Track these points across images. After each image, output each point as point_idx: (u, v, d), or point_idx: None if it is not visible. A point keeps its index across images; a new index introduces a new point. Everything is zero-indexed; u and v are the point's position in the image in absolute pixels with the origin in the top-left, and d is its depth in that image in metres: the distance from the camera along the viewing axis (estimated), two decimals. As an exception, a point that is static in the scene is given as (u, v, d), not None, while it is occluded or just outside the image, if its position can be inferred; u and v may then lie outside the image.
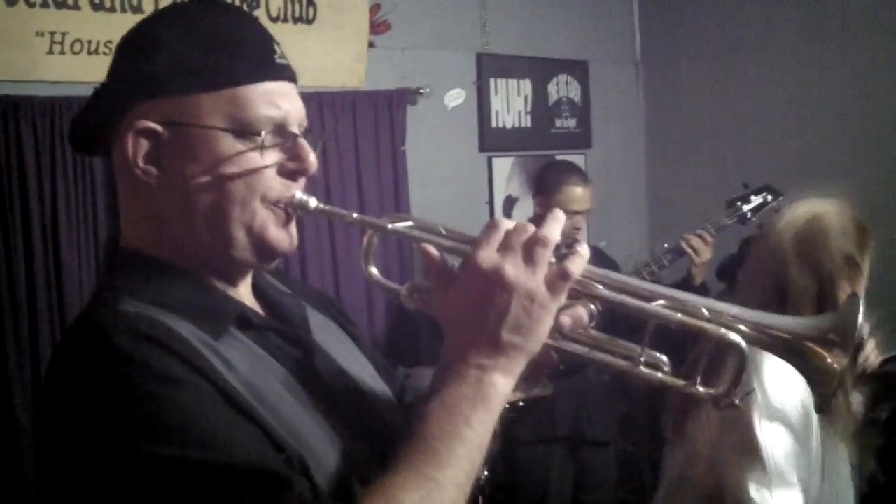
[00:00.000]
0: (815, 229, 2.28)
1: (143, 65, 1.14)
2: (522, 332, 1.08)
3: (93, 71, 3.47)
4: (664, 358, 1.18)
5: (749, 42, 5.13)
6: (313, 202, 1.18)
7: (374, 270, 1.25)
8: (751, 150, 5.03)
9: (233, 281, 1.21)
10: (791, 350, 1.15)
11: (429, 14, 4.56)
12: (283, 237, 1.18)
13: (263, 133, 1.14)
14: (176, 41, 1.14)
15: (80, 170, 3.40)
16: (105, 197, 3.45)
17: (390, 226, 1.21)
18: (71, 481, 1.01)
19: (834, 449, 2.18)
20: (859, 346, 2.27)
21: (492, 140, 4.88)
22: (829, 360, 1.14)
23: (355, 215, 1.21)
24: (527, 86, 5.04)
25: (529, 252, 1.08)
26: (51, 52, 3.36)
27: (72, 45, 3.41)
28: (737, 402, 1.14)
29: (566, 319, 1.15)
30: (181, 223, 1.15)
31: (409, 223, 1.21)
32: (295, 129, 1.18)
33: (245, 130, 1.13)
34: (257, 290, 1.27)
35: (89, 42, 3.45)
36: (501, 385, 1.08)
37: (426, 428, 1.05)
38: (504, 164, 4.92)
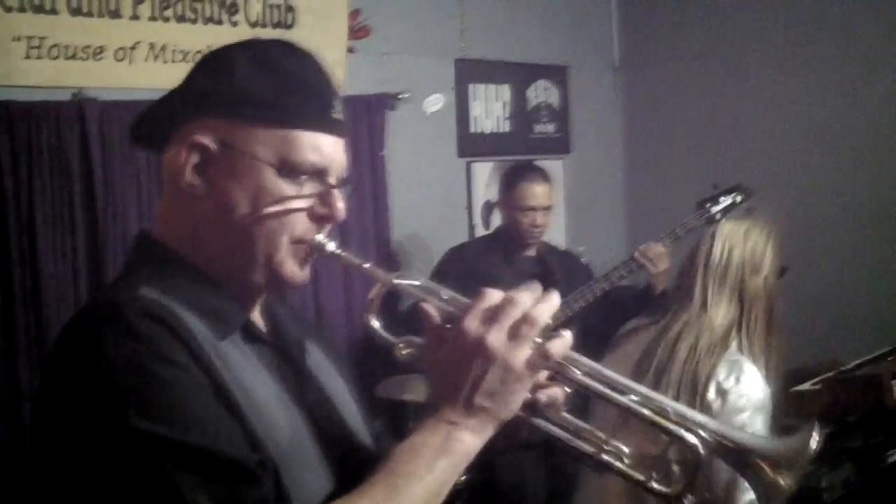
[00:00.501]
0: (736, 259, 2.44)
1: (214, 83, 1.24)
2: (496, 400, 1.16)
3: (71, 76, 3.47)
4: (626, 450, 1.26)
5: (727, 47, 5.17)
6: (331, 246, 1.28)
7: (375, 322, 1.31)
8: (729, 155, 5.06)
9: (246, 296, 1.29)
10: (744, 463, 1.23)
11: (408, 19, 4.57)
12: (298, 274, 1.27)
13: (304, 178, 1.23)
14: (251, 71, 1.23)
15: (58, 173, 3.39)
16: (83, 201, 3.44)
17: (395, 281, 1.28)
18: (61, 438, 1.09)
19: None
20: None
21: (471, 145, 4.89)
22: (777, 479, 1.21)
23: (367, 266, 1.30)
24: (506, 91, 5.06)
25: (515, 328, 1.16)
26: (28, 56, 3.35)
27: (49, 50, 3.40)
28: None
29: (542, 397, 1.23)
30: (211, 235, 1.24)
31: (416, 283, 1.28)
32: (332, 180, 1.26)
33: (290, 170, 1.22)
34: (266, 311, 1.35)
35: (67, 47, 3.44)
36: (468, 443, 1.16)
37: (391, 465, 1.14)
38: (483, 170, 4.93)
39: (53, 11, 3.41)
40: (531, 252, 4.04)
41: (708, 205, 3.82)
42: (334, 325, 4.15)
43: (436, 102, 4.70)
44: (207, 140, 1.22)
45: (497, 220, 4.88)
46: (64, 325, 1.17)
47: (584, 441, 1.26)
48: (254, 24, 3.89)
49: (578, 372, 1.22)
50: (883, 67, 4.65)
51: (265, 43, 1.29)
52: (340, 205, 1.26)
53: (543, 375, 1.23)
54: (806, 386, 3.32)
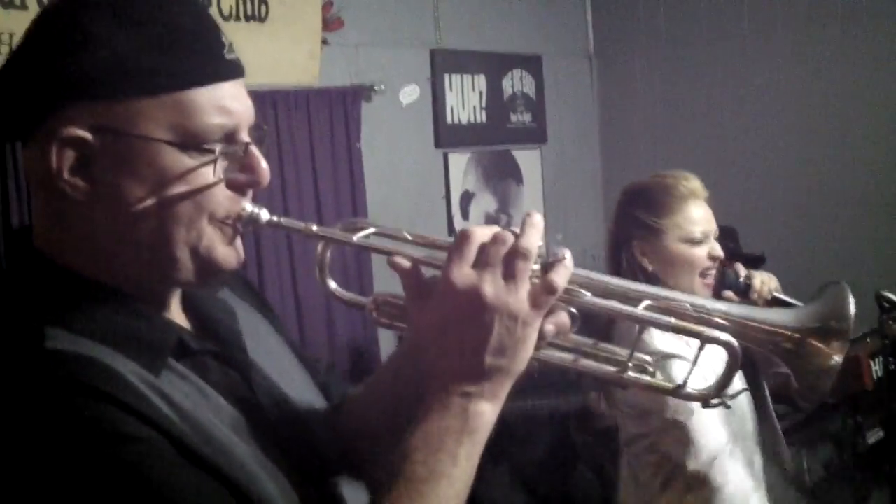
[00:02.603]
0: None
1: (68, 62, 0.96)
2: (507, 355, 0.99)
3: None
4: (649, 359, 1.12)
5: (701, 35, 5.19)
6: (265, 215, 1.06)
7: (332, 283, 1.17)
8: (704, 142, 5.09)
9: (165, 302, 1.07)
10: (792, 349, 1.10)
11: (382, 10, 4.55)
12: (231, 255, 1.05)
13: (218, 148, 1.00)
14: (110, 34, 0.96)
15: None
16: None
17: (354, 238, 1.11)
18: None
19: None
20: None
21: (447, 136, 4.88)
22: (829, 356, 1.09)
23: (314, 228, 1.09)
24: (481, 81, 5.05)
25: (509, 267, 0.99)
26: (-3, 52, 3.31)
27: (19, 46, 3.36)
28: (728, 403, 1.09)
29: (549, 328, 1.04)
30: (112, 243, 1.00)
31: (371, 230, 1.12)
32: (245, 136, 1.04)
33: (194, 142, 0.99)
34: (186, 302, 1.12)
35: (37, 42, 3.40)
36: (488, 413, 1.00)
37: (410, 468, 0.97)
38: (460, 160, 4.92)
39: (23, 7, 3.37)
40: None
41: None
42: (314, 321, 4.13)
43: (411, 93, 4.69)
44: (81, 131, 0.96)
45: (475, 209, 4.90)
46: None
47: (604, 362, 1.10)
48: (227, 18, 3.86)
49: (588, 294, 1.06)
50: (856, 52, 4.69)
51: None
52: (263, 164, 1.04)
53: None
54: (784, 368, 3.34)
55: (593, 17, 5.70)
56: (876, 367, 2.94)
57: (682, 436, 2.12)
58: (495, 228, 1.02)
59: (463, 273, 0.99)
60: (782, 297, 2.43)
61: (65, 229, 1.01)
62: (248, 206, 1.05)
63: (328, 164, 4.22)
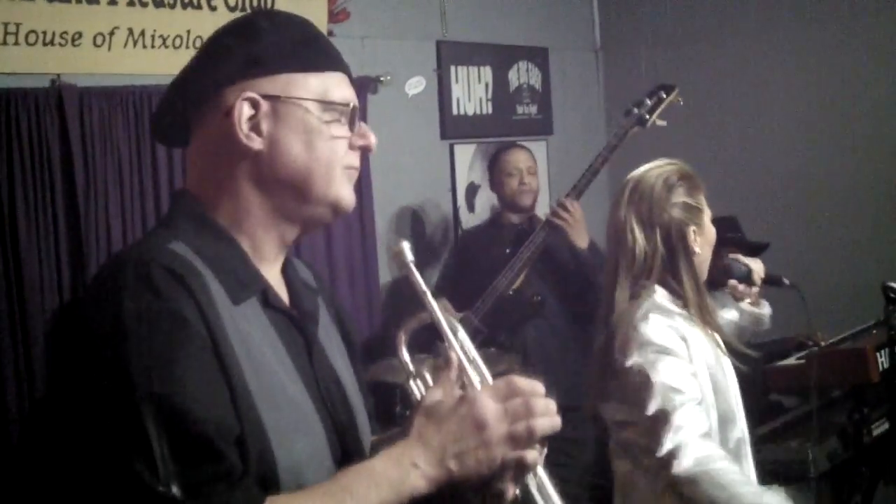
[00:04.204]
0: (642, 191, 2.39)
1: (247, 48, 1.35)
2: (463, 468, 1.23)
3: (49, 62, 3.43)
4: None
5: (706, 28, 5.19)
6: (409, 256, 1.36)
7: (405, 354, 1.38)
8: (709, 135, 5.08)
9: (269, 258, 1.39)
10: None
11: (388, 2, 4.55)
12: (351, 196, 1.40)
13: (339, 113, 1.37)
14: (274, 31, 1.37)
15: (37, 160, 3.35)
16: (63, 187, 3.42)
17: (449, 334, 1.33)
18: (68, 365, 1.24)
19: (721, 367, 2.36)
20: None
21: (453, 127, 4.88)
22: None
23: (431, 301, 1.34)
24: (487, 73, 5.05)
25: (516, 435, 1.22)
26: (4, 43, 3.31)
27: (26, 36, 3.36)
28: None
29: (510, 493, 1.25)
30: (262, 185, 1.35)
31: (456, 334, 1.34)
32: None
33: (329, 108, 1.36)
34: (286, 276, 1.44)
35: (44, 33, 3.40)
36: (420, 486, 1.22)
37: (345, 479, 1.22)
38: (466, 152, 4.92)
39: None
40: (519, 220, 4.13)
41: (634, 108, 3.85)
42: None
43: (417, 85, 4.69)
44: (256, 95, 1.34)
45: (480, 202, 4.90)
46: (101, 266, 1.36)
47: None
48: (232, 9, 3.86)
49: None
50: (860, 45, 4.68)
51: (268, 11, 1.47)
52: (372, 134, 1.41)
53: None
54: (790, 361, 3.34)
55: (600, 10, 5.69)
56: (882, 360, 2.93)
57: (666, 430, 2.12)
58: (536, 390, 1.25)
59: (488, 405, 1.23)
60: (772, 275, 2.69)
61: (222, 182, 1.36)
62: (406, 247, 1.36)
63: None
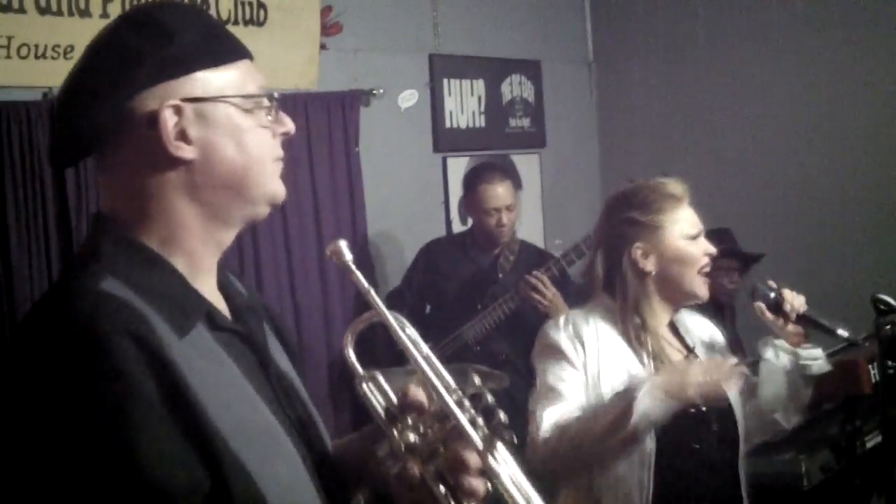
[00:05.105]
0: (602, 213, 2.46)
1: (157, 48, 1.23)
2: None
3: (40, 75, 3.43)
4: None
5: (700, 41, 5.20)
6: (348, 255, 1.36)
7: (352, 354, 1.35)
8: (702, 149, 5.09)
9: (207, 268, 1.30)
10: None
11: (381, 15, 4.56)
12: (282, 187, 1.36)
13: (269, 95, 1.31)
14: (183, 26, 1.26)
15: (29, 173, 3.35)
16: (54, 201, 3.41)
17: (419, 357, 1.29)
18: (9, 437, 1.11)
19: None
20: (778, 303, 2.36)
21: (446, 140, 4.89)
22: None
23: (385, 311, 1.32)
24: (480, 86, 5.06)
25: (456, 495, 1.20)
26: (-4, 56, 3.32)
27: (18, 50, 3.36)
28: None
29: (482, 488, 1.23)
30: (195, 193, 1.26)
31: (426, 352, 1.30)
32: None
33: (249, 100, 1.29)
34: (222, 289, 1.35)
35: (36, 46, 3.40)
36: None
37: None
38: (459, 165, 4.92)
39: (21, 10, 3.37)
40: (493, 251, 4.08)
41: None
42: (312, 325, 4.13)
43: (410, 98, 4.69)
44: (177, 102, 1.23)
45: (473, 215, 4.89)
46: (26, 317, 1.18)
47: None
48: (225, 22, 3.86)
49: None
50: (853, 57, 4.70)
51: (163, 3, 1.36)
52: (288, 118, 1.37)
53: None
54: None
55: (592, 23, 5.71)
56: (874, 372, 2.92)
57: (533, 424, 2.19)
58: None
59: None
60: (813, 315, 2.34)
61: (144, 200, 1.25)
62: (344, 247, 1.36)
63: (327, 168, 4.22)
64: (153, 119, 1.22)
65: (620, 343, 2.31)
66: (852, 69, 4.70)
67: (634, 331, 2.32)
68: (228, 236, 1.32)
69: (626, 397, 2.11)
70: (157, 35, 1.24)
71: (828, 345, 3.30)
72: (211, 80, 1.26)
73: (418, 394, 1.25)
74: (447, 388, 1.24)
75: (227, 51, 1.29)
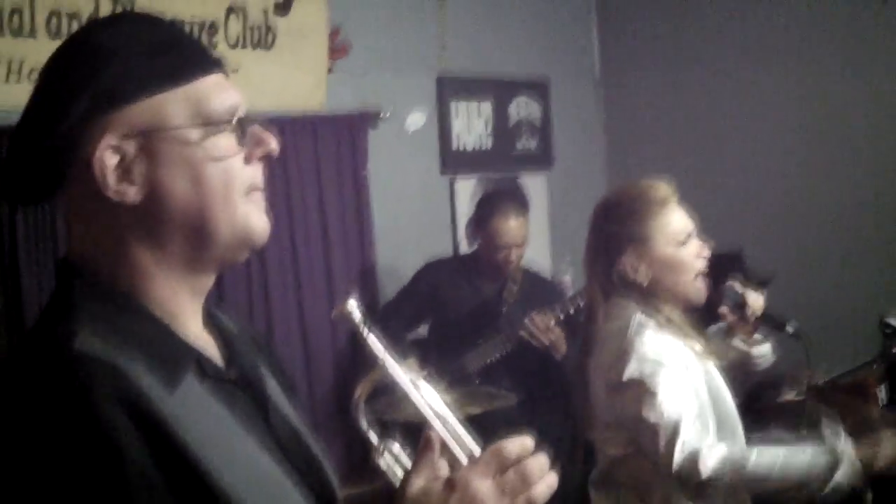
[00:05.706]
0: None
1: (91, 77, 1.08)
2: None
3: (50, 99, 3.45)
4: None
5: (707, 59, 5.20)
6: (357, 315, 1.22)
7: (363, 421, 1.26)
8: (711, 166, 5.09)
9: (187, 314, 1.16)
10: None
11: (388, 37, 4.58)
12: (264, 222, 1.16)
13: (223, 126, 1.12)
14: (122, 46, 1.09)
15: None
16: (65, 228, 3.42)
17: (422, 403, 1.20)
18: None
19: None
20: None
21: (453, 162, 4.90)
22: None
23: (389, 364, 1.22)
24: (487, 107, 5.07)
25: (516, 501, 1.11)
26: (7, 80, 3.34)
27: (29, 74, 3.38)
28: None
29: None
30: (153, 238, 1.11)
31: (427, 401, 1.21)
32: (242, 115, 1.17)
33: (209, 123, 1.11)
34: (211, 328, 1.22)
35: (46, 70, 3.42)
36: None
37: None
38: (466, 186, 4.93)
39: (32, 35, 3.40)
40: (498, 281, 4.07)
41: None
42: (319, 344, 4.13)
43: (417, 120, 4.71)
44: (117, 138, 1.08)
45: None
46: (2, 384, 1.05)
47: None
48: (233, 46, 3.89)
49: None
50: (860, 74, 4.69)
51: (109, 21, 1.22)
52: (268, 134, 1.16)
53: None
54: (791, 397, 3.32)
55: (600, 42, 5.71)
56: (882, 395, 2.92)
57: (673, 442, 2.12)
58: (526, 446, 1.13)
59: (484, 486, 1.10)
60: (773, 315, 2.53)
61: (105, 243, 1.11)
62: (354, 304, 1.21)
63: (335, 190, 4.23)
64: (89, 161, 1.07)
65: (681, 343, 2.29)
66: (863, 87, 4.68)
67: (666, 322, 2.30)
68: (202, 282, 1.17)
69: (825, 464, 2.08)
70: (92, 60, 1.08)
71: (836, 365, 3.29)
72: (159, 105, 1.09)
73: (442, 465, 1.15)
74: (465, 451, 1.17)
75: (182, 67, 1.11)
